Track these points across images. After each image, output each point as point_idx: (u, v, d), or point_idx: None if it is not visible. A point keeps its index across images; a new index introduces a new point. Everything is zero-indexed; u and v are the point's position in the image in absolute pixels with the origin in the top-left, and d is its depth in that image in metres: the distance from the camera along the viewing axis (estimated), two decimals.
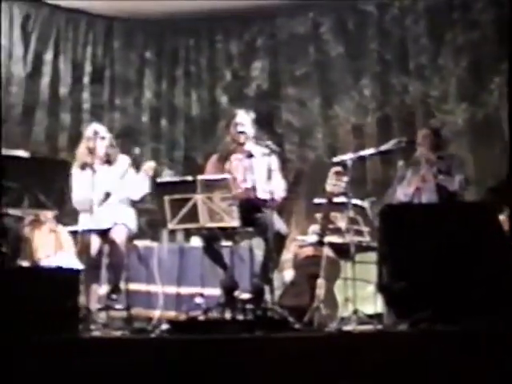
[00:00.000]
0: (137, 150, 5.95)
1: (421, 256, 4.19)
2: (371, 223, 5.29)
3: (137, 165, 5.53)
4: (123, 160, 5.55)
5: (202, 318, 4.90)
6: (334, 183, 5.14)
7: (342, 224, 5.23)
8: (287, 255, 5.76)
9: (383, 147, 5.27)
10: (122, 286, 5.32)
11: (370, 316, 4.84)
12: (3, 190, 4.64)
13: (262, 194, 5.11)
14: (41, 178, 4.81)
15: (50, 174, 4.90)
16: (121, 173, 5.45)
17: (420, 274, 4.16)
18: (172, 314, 5.89)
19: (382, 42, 7.38)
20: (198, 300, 5.67)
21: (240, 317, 4.75)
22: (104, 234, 5.31)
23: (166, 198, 4.77)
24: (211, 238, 5.09)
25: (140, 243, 6.05)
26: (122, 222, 5.39)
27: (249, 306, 4.83)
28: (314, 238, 5.51)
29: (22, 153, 5.24)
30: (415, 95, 7.16)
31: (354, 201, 5.14)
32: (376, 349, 3.58)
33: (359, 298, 4.87)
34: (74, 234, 5.35)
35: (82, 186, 5.33)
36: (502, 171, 5.49)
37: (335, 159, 5.25)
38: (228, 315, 4.82)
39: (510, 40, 5.74)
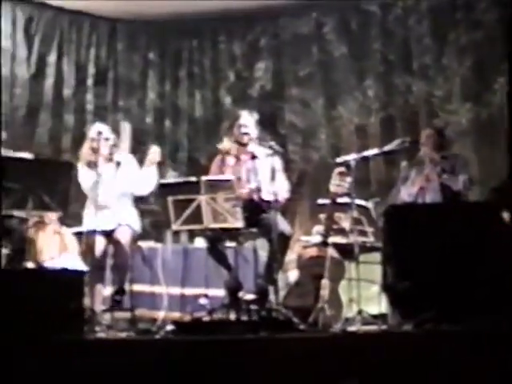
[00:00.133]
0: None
1: (425, 256, 4.19)
2: (375, 224, 5.27)
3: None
4: (128, 158, 5.54)
5: (206, 318, 4.91)
6: (337, 184, 5.14)
7: (345, 224, 5.21)
8: (291, 256, 5.76)
9: (387, 147, 5.26)
10: (127, 287, 5.32)
11: (375, 316, 4.84)
12: (7, 192, 4.64)
13: (265, 194, 5.11)
14: (45, 179, 4.79)
15: (54, 176, 4.88)
16: (126, 171, 5.45)
17: (424, 273, 4.16)
18: (176, 314, 5.87)
19: (386, 42, 7.36)
20: (203, 301, 5.68)
21: (244, 317, 4.75)
22: (108, 235, 5.32)
23: (170, 199, 4.77)
24: (215, 239, 5.09)
25: (144, 244, 6.05)
26: (126, 223, 5.39)
27: (253, 307, 4.83)
28: (318, 239, 5.51)
29: (26, 154, 5.25)
30: (419, 95, 7.14)
31: (358, 201, 5.12)
32: (381, 349, 3.58)
33: (364, 298, 4.87)
34: (78, 235, 5.34)
35: (90, 182, 5.33)
36: (506, 171, 5.48)
37: (339, 160, 5.25)
38: (232, 316, 4.82)
39: (510, 40, 5.74)
